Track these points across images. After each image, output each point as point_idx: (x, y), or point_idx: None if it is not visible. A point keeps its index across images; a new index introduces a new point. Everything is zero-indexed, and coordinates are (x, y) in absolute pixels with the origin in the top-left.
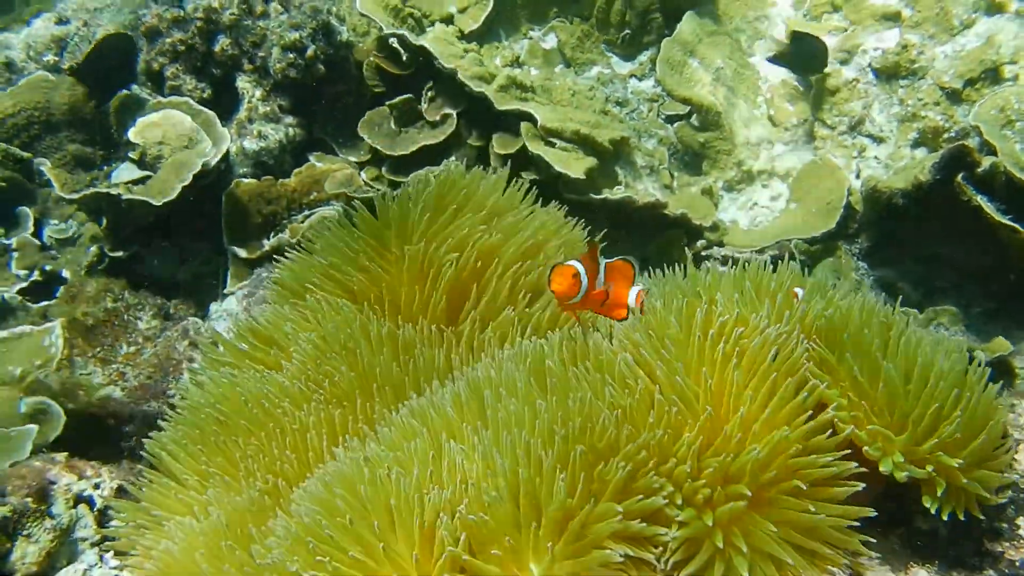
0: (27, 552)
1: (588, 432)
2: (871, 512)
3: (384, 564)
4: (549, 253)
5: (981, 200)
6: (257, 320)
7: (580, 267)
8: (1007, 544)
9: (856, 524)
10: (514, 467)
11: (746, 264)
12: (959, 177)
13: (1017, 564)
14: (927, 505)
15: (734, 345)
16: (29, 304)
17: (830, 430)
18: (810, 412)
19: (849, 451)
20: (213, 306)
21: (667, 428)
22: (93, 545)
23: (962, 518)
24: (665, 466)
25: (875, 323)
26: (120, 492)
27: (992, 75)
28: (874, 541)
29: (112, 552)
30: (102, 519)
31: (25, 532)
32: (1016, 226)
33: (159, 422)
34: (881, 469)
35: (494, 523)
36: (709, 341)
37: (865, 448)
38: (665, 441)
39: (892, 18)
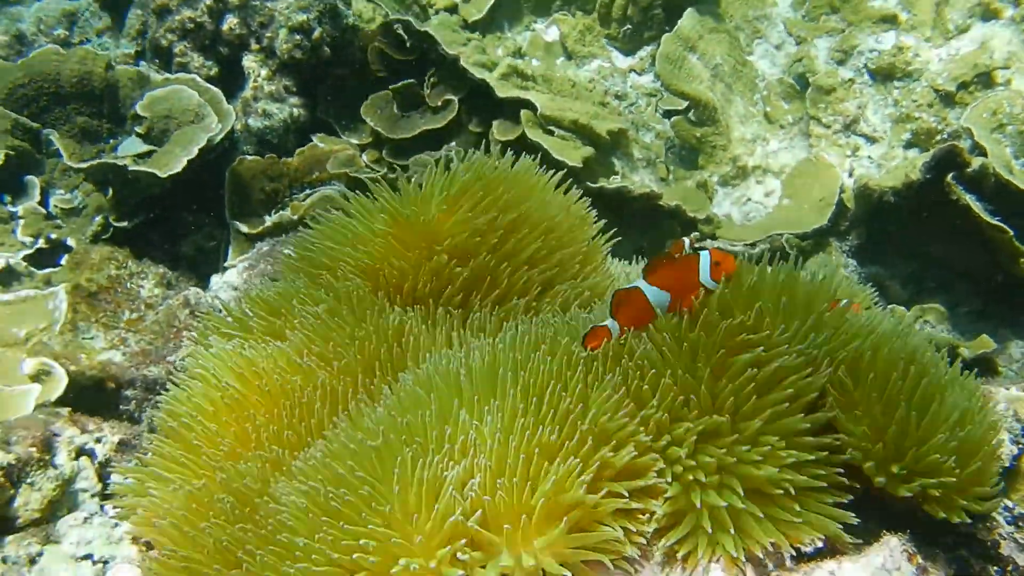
0: (30, 499)
1: (600, 416)
2: (854, 520)
3: (397, 537)
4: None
5: (970, 200)
6: (268, 291)
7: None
8: (980, 525)
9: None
10: (529, 451)
11: (795, 263)
12: (949, 177)
13: (988, 544)
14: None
15: (754, 359)
16: (34, 270)
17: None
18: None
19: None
20: (214, 278)
21: (667, 411)
22: (93, 496)
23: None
24: (659, 443)
25: (902, 366)
26: (121, 446)
27: (985, 79)
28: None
29: (113, 506)
30: (103, 472)
31: (29, 480)
32: (1003, 226)
33: (169, 388)
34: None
35: (504, 503)
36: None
37: (878, 480)
38: (663, 421)
39: (889, 20)
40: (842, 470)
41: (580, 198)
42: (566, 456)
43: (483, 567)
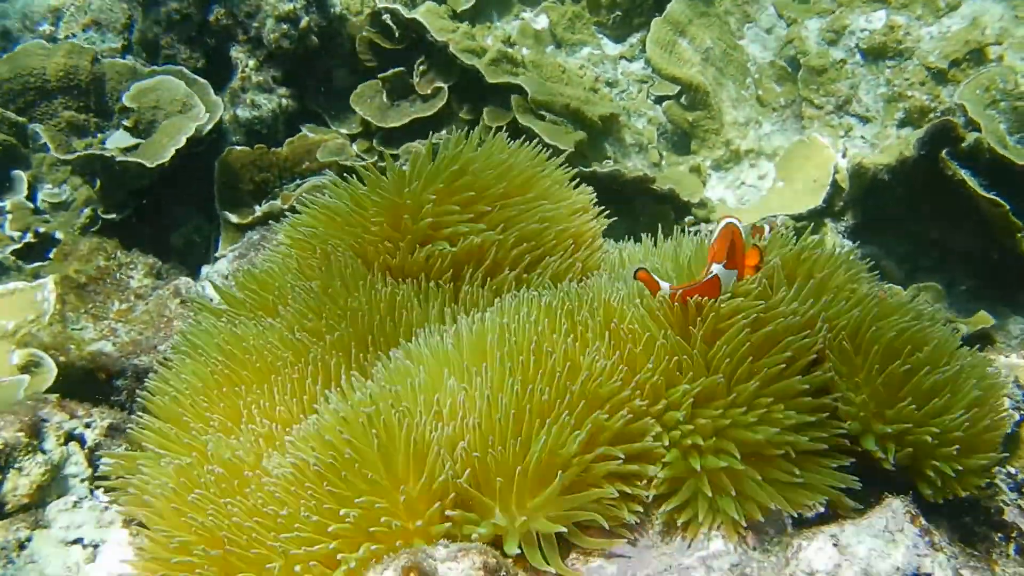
0: (19, 484)
1: (591, 381)
2: (856, 485)
3: (386, 500)
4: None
5: (964, 175)
6: (260, 267)
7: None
8: (984, 492)
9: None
10: (520, 410)
11: (795, 237)
12: (943, 152)
13: (992, 511)
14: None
15: (750, 321)
16: (22, 264)
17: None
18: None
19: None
20: (204, 268)
21: (663, 375)
22: (83, 480)
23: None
24: (656, 407)
25: (910, 347)
26: (111, 431)
27: (977, 56)
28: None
29: (104, 489)
30: (92, 457)
31: (17, 465)
32: (999, 200)
33: (160, 365)
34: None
35: (496, 463)
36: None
37: (878, 457)
38: (659, 384)
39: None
40: (843, 430)
41: (576, 180)
42: (558, 415)
43: (476, 525)
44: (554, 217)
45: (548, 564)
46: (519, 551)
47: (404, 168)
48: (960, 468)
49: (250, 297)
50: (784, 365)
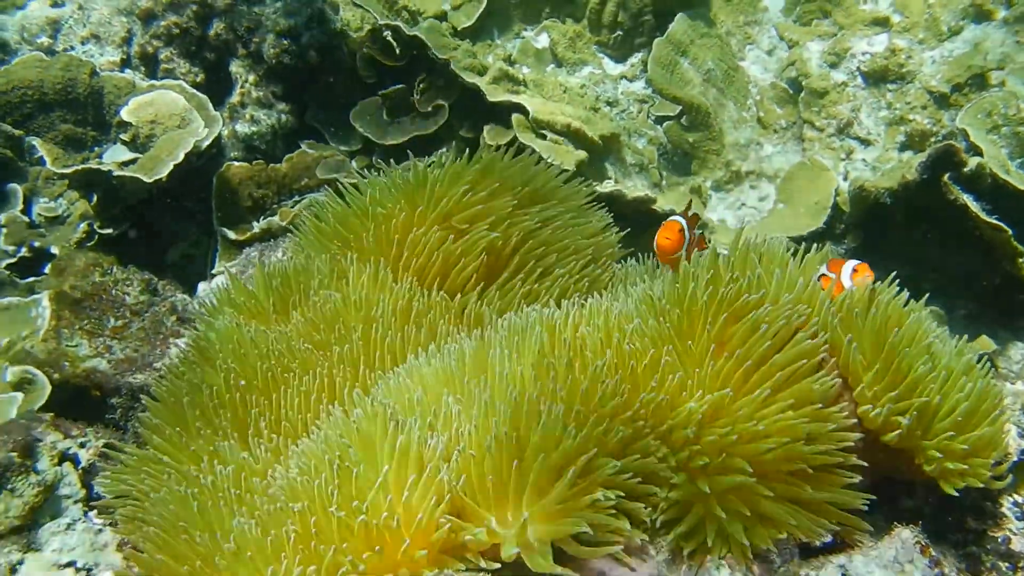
0: (11, 506)
1: (592, 395)
2: (871, 497)
3: (381, 504)
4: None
5: (967, 199)
6: (287, 267)
7: (684, 222)
8: (990, 522)
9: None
10: (516, 417)
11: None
12: (945, 177)
13: (999, 540)
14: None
15: (758, 323)
16: (16, 279)
17: (835, 425)
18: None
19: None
20: (201, 285)
21: (667, 393)
22: (77, 502)
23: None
24: (661, 428)
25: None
26: (106, 451)
27: (979, 81)
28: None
29: (98, 511)
30: (86, 478)
31: (9, 486)
32: (1001, 224)
33: (171, 369)
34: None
35: (493, 462)
36: (732, 317)
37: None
38: (663, 404)
39: (881, 23)
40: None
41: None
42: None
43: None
44: (582, 228)
45: (543, 563)
46: (516, 551)
47: (435, 164)
48: (969, 433)
49: (274, 292)
50: (794, 364)
